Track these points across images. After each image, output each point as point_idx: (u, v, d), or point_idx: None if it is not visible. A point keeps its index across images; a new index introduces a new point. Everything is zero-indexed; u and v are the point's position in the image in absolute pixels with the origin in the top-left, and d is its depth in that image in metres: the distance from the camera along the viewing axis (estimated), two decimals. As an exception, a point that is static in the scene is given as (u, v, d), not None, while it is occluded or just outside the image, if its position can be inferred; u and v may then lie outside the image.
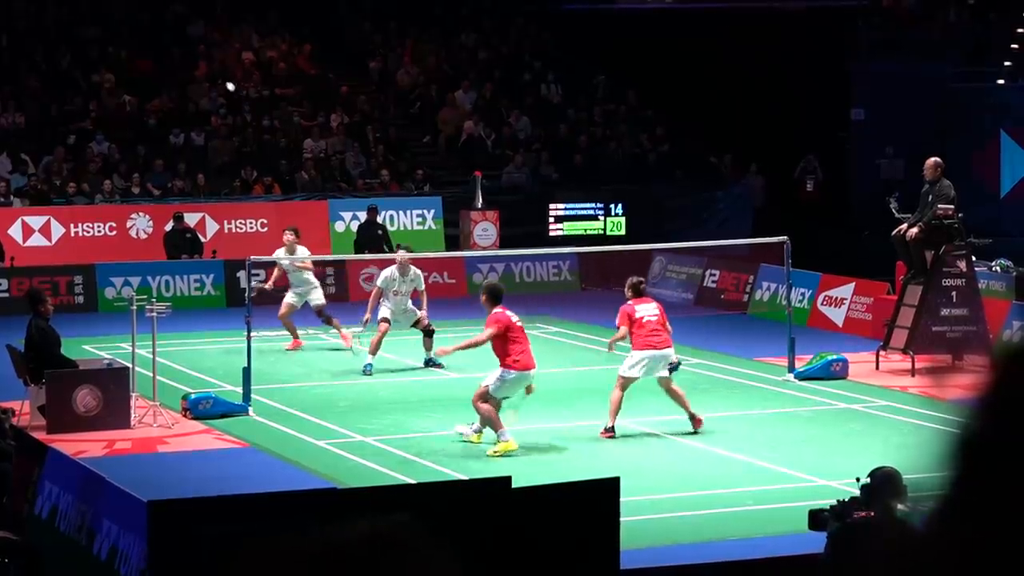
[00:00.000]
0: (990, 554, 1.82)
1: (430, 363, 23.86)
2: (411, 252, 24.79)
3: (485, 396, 18.20)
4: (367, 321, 23.50)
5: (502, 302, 18.62)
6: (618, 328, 19.21)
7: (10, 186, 33.71)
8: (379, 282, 23.97)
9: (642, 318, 19.03)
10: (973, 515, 1.84)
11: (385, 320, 23.68)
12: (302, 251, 25.52)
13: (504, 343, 18.22)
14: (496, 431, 18.13)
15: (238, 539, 9.67)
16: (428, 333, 23.86)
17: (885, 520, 9.83)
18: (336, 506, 11.30)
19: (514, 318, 18.39)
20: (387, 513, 2.11)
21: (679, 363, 19.60)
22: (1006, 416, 1.86)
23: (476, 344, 18.67)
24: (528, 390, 18.58)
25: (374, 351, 23.42)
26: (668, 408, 19.30)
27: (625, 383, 18.94)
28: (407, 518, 2.07)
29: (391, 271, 23.89)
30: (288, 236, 25.31)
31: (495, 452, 17.99)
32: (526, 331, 18.80)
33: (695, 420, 19.15)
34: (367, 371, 23.31)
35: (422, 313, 23.96)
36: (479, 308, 19.04)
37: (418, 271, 24.31)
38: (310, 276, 25.63)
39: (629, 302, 19.26)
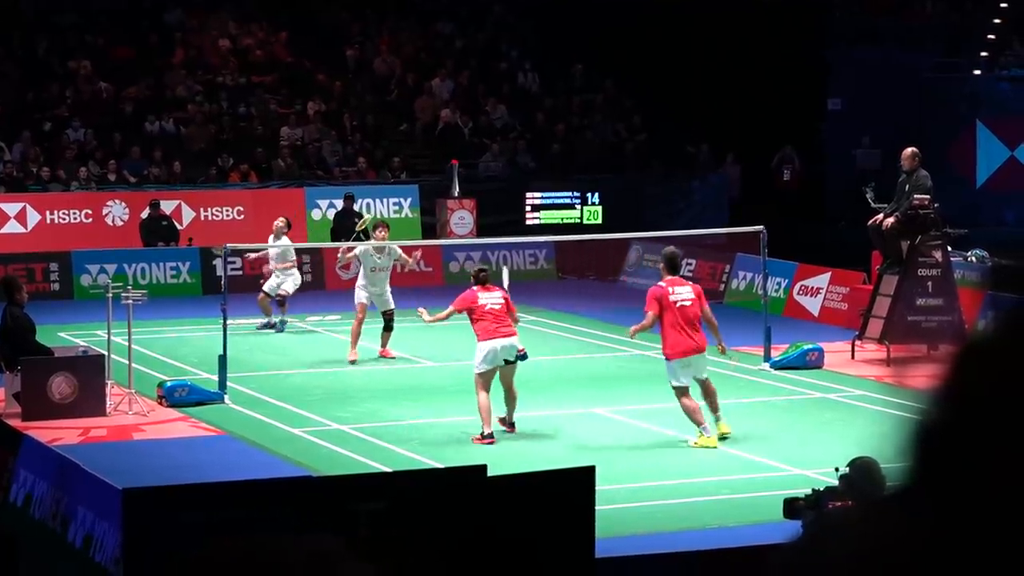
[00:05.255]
0: (949, 545, 1.83)
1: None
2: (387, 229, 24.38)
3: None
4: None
5: (676, 272, 18.21)
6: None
7: (-15, 173, 33.62)
8: (357, 251, 23.71)
9: (484, 304, 18.13)
10: (932, 505, 1.85)
11: (361, 304, 23.33)
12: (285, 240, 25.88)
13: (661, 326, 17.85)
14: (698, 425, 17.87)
15: (213, 527, 9.61)
16: (388, 327, 23.43)
17: (856, 510, 9.86)
18: (311, 494, 11.30)
19: (671, 295, 17.76)
20: (321, 528, 2.14)
21: (525, 353, 18.33)
22: (964, 406, 1.87)
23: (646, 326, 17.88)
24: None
25: (355, 342, 23.15)
26: (644, 397, 19.30)
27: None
28: (335, 540, 2.04)
29: (366, 247, 23.69)
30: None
31: (696, 443, 17.78)
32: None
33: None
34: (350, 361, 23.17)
35: (390, 308, 23.40)
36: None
37: (394, 246, 23.99)
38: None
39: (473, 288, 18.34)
